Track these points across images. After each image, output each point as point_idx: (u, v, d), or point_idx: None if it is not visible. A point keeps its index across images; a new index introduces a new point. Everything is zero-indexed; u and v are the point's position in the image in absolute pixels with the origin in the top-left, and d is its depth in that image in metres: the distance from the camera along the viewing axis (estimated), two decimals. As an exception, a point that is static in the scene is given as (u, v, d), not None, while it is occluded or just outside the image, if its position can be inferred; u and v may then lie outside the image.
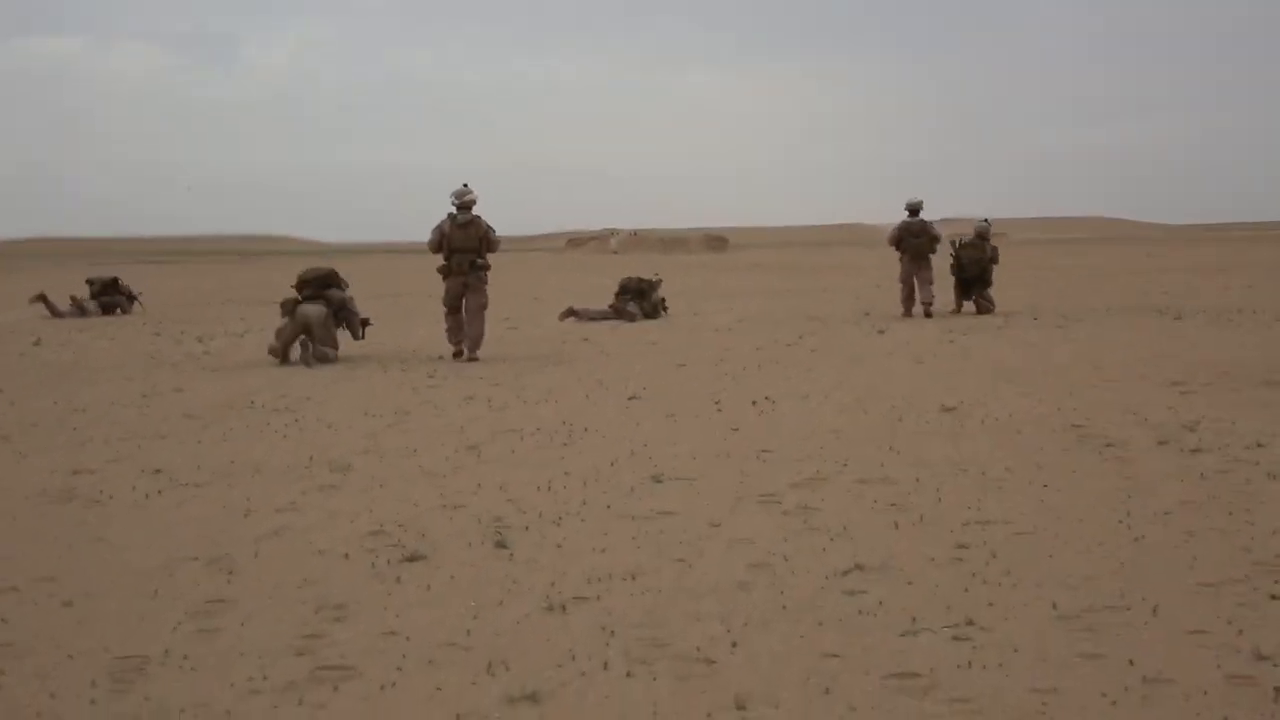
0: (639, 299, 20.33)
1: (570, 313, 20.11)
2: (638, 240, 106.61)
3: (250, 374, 12.97)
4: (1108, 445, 7.89)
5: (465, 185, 14.44)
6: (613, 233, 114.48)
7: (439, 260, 14.63)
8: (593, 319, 19.89)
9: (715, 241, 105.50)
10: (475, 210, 14.40)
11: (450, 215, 14.41)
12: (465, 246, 14.33)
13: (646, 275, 21.94)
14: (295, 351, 13.76)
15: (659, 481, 7.11)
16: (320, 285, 14.08)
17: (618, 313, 20.04)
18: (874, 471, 7.26)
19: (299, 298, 13.95)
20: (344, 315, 14.18)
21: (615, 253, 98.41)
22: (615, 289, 20.93)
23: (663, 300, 21.01)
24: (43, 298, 22.97)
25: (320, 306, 13.82)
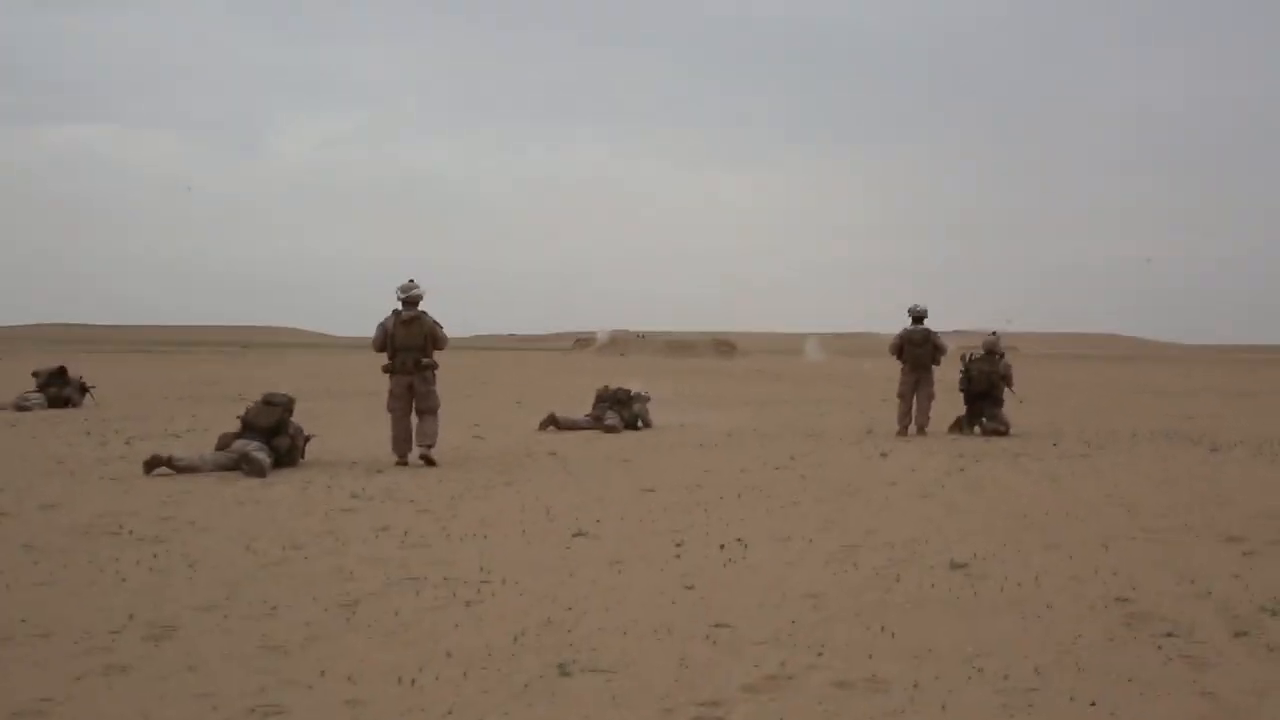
0: (618, 408, 18.67)
1: (551, 421, 18.48)
2: (644, 343, 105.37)
3: (149, 486, 11.15)
4: (1168, 635, 6.00)
5: (411, 280, 13.40)
6: (595, 335, 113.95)
7: (384, 359, 13.45)
8: (574, 427, 18.33)
9: (723, 346, 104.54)
10: (423, 306, 13.28)
11: (395, 311, 13.26)
12: (410, 344, 13.19)
13: (627, 385, 19.97)
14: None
15: (565, 674, 5.24)
16: (268, 435, 12.63)
17: (598, 422, 18.37)
18: (858, 667, 5.39)
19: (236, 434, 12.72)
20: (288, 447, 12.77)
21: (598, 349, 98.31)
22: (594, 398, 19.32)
23: (645, 410, 19.16)
24: None
25: (259, 443, 12.43)
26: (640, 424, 18.87)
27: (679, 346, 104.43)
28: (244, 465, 12.12)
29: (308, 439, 13.36)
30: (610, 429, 18.02)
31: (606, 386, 19.38)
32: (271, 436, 12.69)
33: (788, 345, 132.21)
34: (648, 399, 19.48)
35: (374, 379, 18.30)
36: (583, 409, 19.45)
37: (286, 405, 13.10)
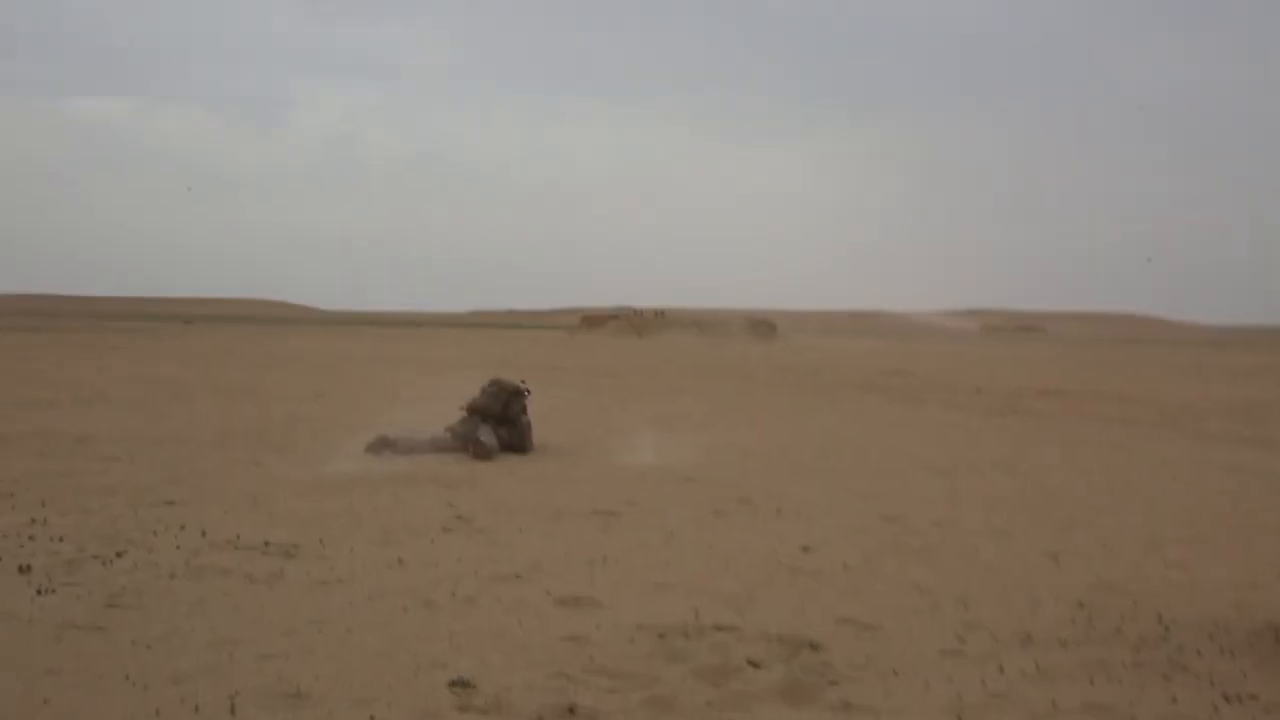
0: (500, 424, 13.78)
1: (385, 442, 13.30)
2: (664, 320, 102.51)
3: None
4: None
5: None
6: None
7: None
8: (411, 452, 13.21)
9: (761, 326, 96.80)
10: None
11: None
12: None
13: (513, 381, 14.57)
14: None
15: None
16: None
17: (461, 442, 13.46)
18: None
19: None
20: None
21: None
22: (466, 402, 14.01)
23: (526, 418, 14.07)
24: None
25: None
26: (528, 441, 13.98)
27: (709, 325, 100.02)
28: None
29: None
30: (482, 450, 13.28)
31: (493, 383, 14.15)
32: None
33: (832, 324, 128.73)
34: (527, 392, 14.31)
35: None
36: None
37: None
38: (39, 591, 6.79)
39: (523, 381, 14.64)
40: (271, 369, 32.73)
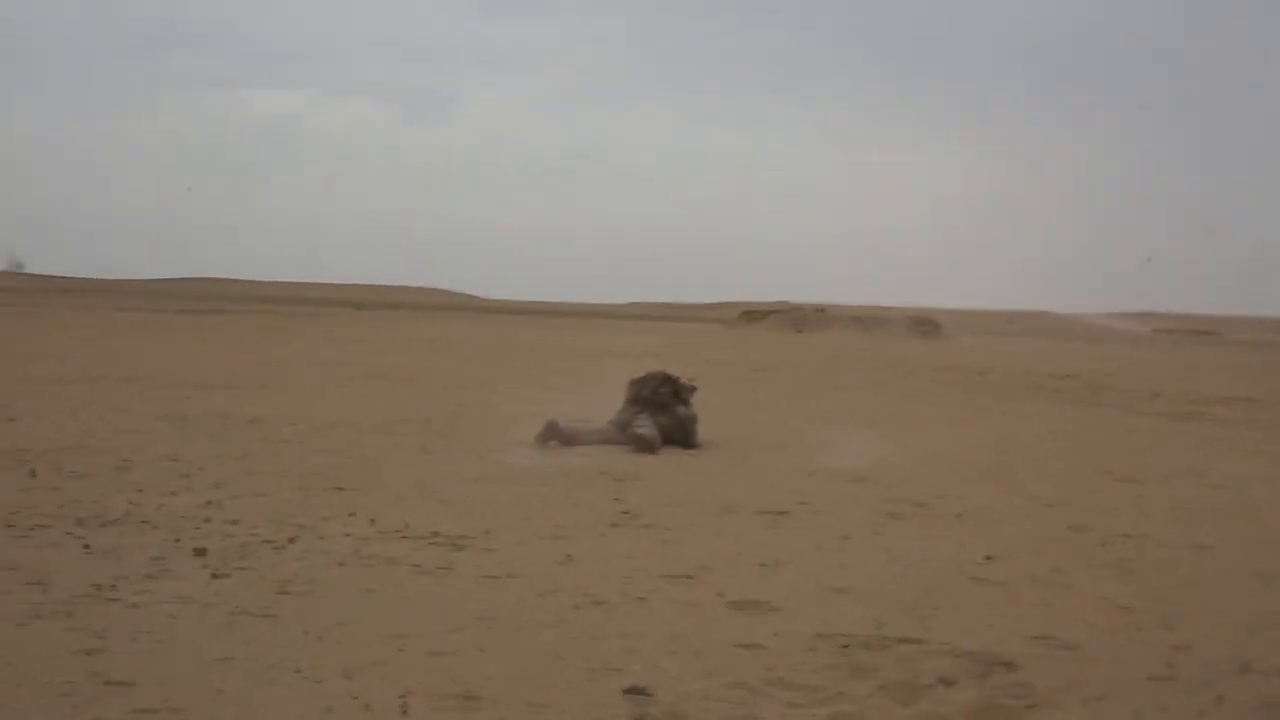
0: (659, 412, 13.49)
1: (553, 433, 13.14)
2: (824, 316, 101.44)
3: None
4: None
5: None
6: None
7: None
8: (577, 442, 13.06)
9: (924, 325, 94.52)
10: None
11: None
12: None
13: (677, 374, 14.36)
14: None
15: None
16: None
17: (622, 432, 13.34)
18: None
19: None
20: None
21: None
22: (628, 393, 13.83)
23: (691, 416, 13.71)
24: None
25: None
26: (695, 436, 13.64)
27: (870, 322, 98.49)
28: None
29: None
30: (644, 443, 13.01)
31: (652, 375, 14.04)
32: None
33: (996, 324, 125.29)
34: (693, 389, 13.98)
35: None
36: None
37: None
38: (214, 575, 6.78)
39: (684, 379, 14.33)
40: (437, 356, 33.17)
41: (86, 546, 7.35)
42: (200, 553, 7.29)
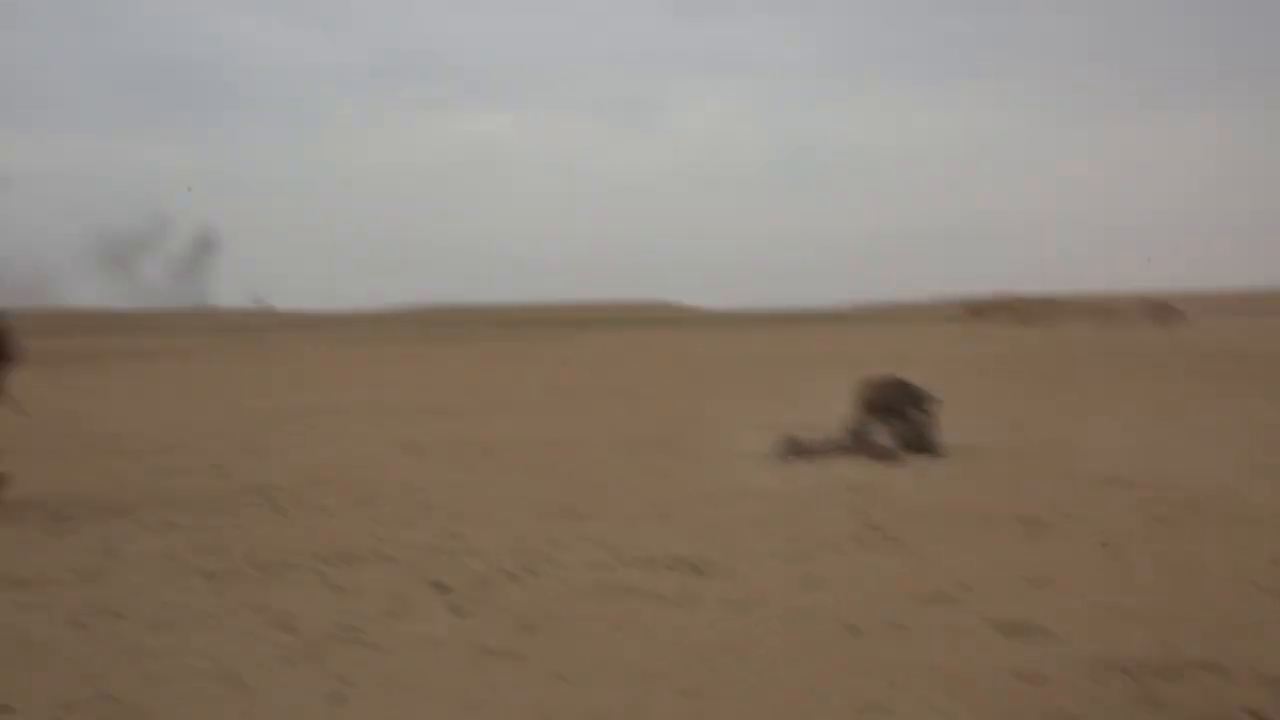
0: (895, 419, 12.92)
1: (791, 446, 12.77)
2: (1053, 309, 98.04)
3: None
4: None
5: None
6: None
7: None
8: (813, 454, 12.61)
9: (1161, 310, 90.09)
10: None
11: None
12: None
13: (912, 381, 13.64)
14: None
15: None
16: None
17: (860, 442, 12.82)
18: None
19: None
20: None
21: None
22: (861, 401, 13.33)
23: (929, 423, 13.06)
24: None
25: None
26: (935, 444, 12.89)
27: (1103, 311, 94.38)
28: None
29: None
30: (882, 452, 12.45)
31: (887, 380, 13.53)
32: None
33: (1237, 304, 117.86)
34: (936, 400, 13.34)
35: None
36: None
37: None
38: (455, 612, 6.66)
39: (921, 387, 13.75)
40: (663, 370, 33.17)
41: (331, 585, 7.35)
42: (441, 588, 7.20)
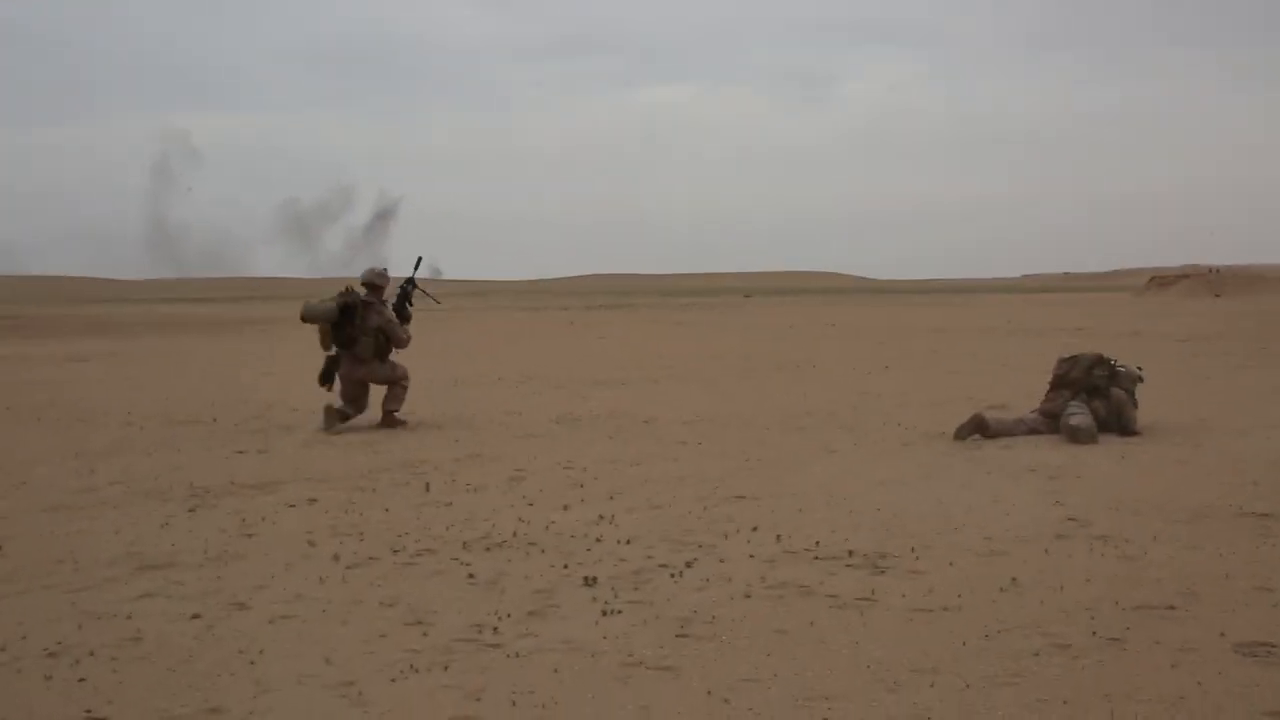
0: (1092, 397, 11.89)
1: (978, 425, 11.69)
2: (1246, 277, 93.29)
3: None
4: None
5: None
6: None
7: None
8: (1008, 433, 11.70)
9: None
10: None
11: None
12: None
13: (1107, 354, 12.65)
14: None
15: None
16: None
17: (1051, 421, 11.84)
18: None
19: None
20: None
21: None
22: (1051, 379, 12.41)
23: (1129, 401, 11.97)
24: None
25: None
26: (1133, 424, 11.87)
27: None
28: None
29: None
30: (1077, 432, 11.33)
31: (1076, 358, 12.34)
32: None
33: None
34: (1139, 378, 12.28)
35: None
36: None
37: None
38: (604, 611, 5.95)
39: (1119, 362, 12.54)
40: (831, 341, 32.09)
41: (471, 576, 6.72)
42: (590, 582, 6.51)
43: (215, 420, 14.34)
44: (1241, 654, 5.19)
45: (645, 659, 5.21)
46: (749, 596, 6.20)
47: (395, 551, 7.32)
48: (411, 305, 13.85)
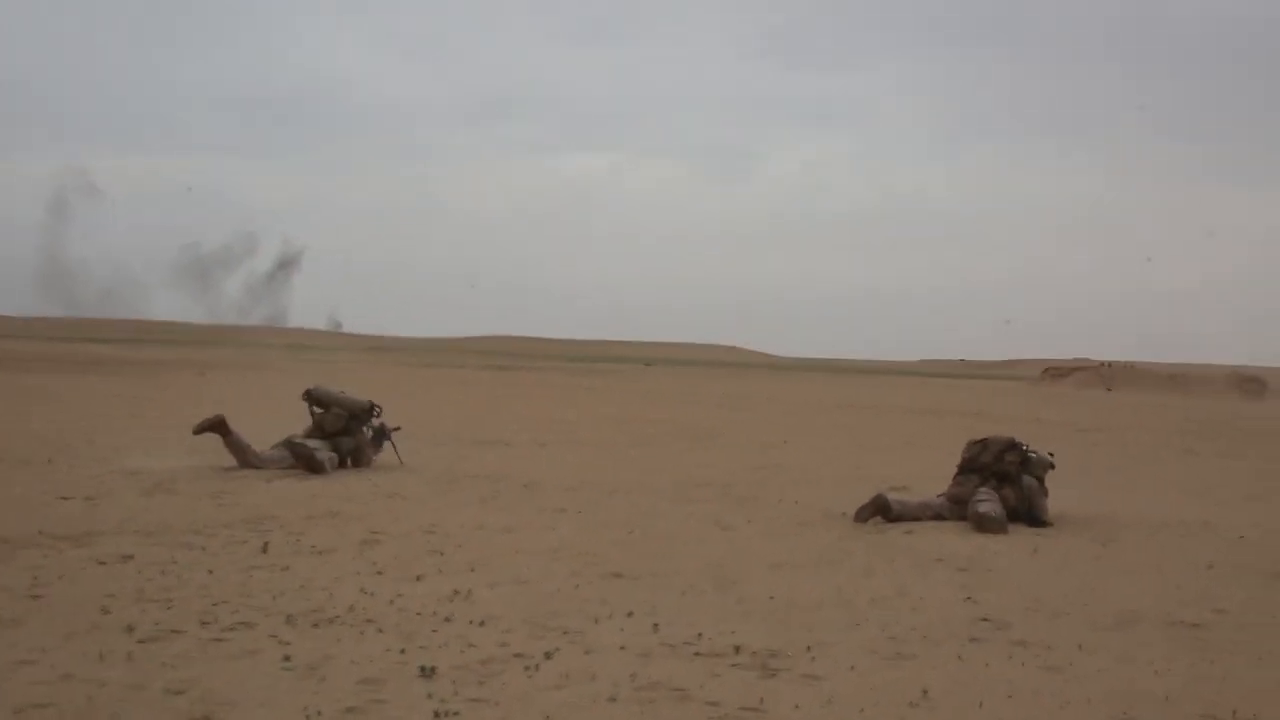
0: (1002, 483, 11.10)
1: (880, 508, 10.78)
2: (1135, 373, 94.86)
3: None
4: None
5: None
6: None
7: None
8: (913, 518, 10.88)
9: (1249, 384, 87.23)
10: None
11: None
12: None
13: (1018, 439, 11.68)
14: None
15: None
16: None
17: (957, 507, 10.99)
18: None
19: None
20: None
21: (1109, 390, 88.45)
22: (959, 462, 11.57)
23: (1038, 488, 11.22)
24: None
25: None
26: (1043, 516, 11.08)
27: (1186, 380, 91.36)
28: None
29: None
30: (986, 523, 10.50)
31: (982, 442, 11.57)
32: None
33: None
34: (1050, 465, 11.58)
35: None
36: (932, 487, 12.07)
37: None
38: (437, 714, 4.90)
39: (1029, 447, 11.76)
40: (732, 412, 31.33)
41: (287, 659, 5.62)
42: (427, 673, 5.45)
43: (50, 461, 13.01)
44: (1198, 801, 4.30)
45: (476, 783, 4.17)
46: (614, 700, 5.19)
47: (204, 624, 6.19)
48: (379, 448, 13.92)
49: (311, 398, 13.80)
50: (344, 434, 13.55)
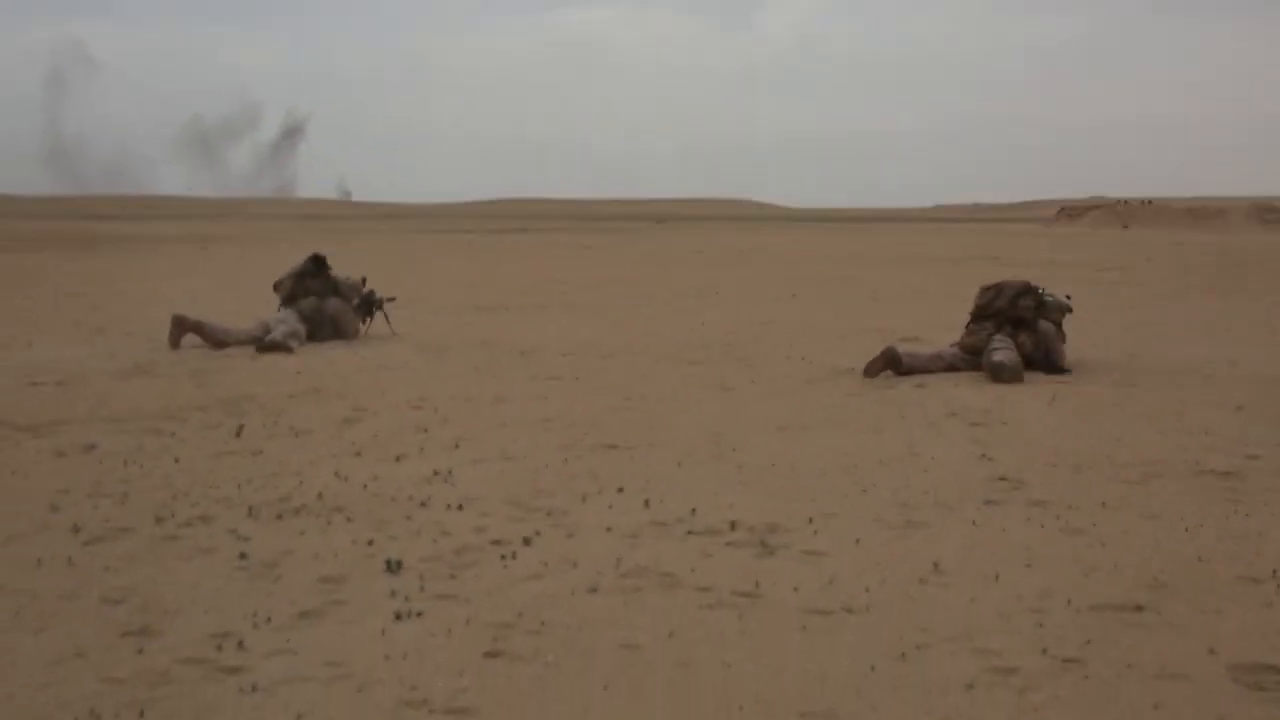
0: (1017, 330, 10.59)
1: (890, 361, 10.28)
2: (1152, 210, 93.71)
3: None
4: None
5: None
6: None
7: None
8: (915, 371, 10.35)
9: (1270, 212, 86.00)
10: None
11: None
12: None
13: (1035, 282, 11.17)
14: None
15: None
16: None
17: (971, 356, 10.52)
18: None
19: None
20: None
21: (1126, 227, 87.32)
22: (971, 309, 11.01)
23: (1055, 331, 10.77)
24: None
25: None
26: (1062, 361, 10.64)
27: (1205, 215, 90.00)
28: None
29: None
30: (1002, 372, 10.00)
31: (1001, 285, 10.92)
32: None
33: None
34: (1068, 309, 11.02)
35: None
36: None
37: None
38: (399, 615, 4.45)
39: (1047, 291, 11.16)
40: (739, 267, 30.72)
41: (243, 556, 5.17)
42: (393, 568, 5.00)
43: (31, 345, 12.56)
44: (1242, 685, 3.85)
45: (430, 697, 3.73)
46: (594, 591, 4.73)
47: (159, 520, 5.75)
48: (370, 318, 13.43)
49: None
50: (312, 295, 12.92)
